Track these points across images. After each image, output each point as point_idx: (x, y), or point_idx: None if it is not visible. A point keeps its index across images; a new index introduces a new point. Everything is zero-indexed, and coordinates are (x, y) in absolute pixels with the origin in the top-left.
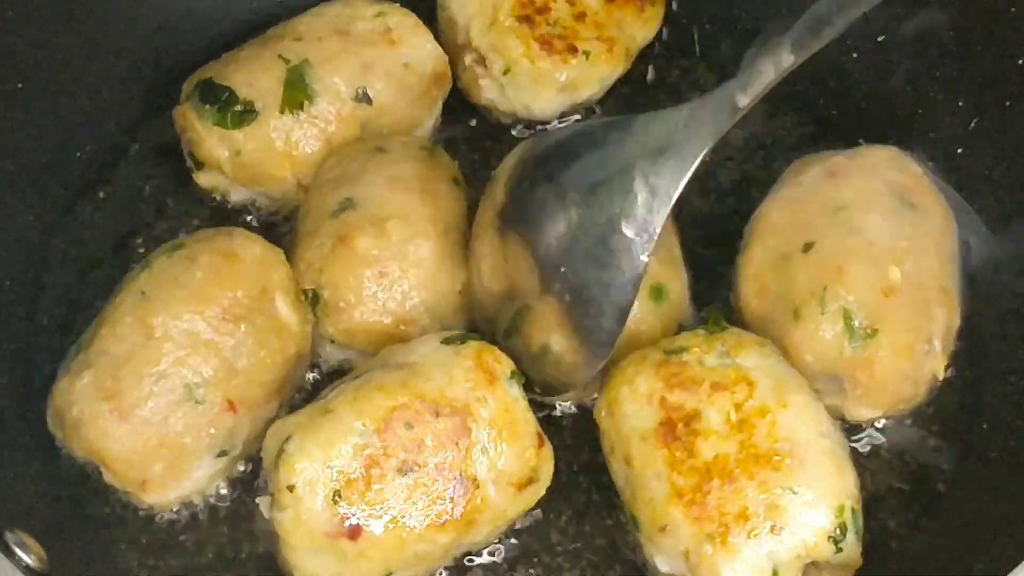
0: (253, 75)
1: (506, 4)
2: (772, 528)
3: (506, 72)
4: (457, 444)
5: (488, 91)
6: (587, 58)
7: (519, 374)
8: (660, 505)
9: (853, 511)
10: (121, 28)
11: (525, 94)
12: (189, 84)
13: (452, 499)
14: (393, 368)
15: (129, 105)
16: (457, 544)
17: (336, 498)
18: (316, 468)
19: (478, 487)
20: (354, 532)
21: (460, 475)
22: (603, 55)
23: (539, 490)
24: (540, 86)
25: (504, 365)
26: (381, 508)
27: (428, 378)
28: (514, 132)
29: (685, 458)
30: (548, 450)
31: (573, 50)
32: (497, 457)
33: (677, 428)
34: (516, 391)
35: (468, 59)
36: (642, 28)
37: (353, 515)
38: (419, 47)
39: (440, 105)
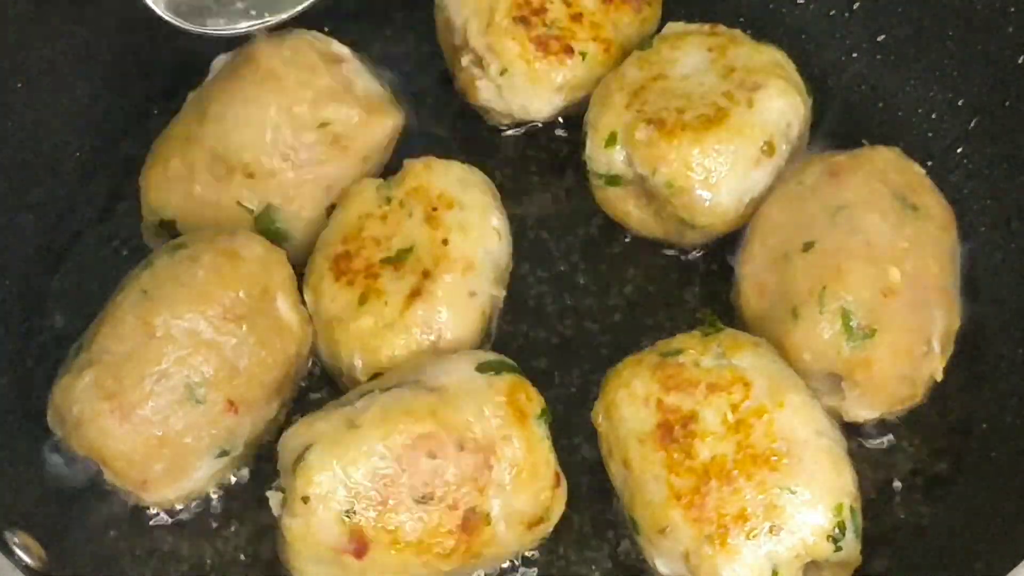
0: None
1: (503, 5)
2: (771, 528)
3: (503, 73)
4: (476, 480)
5: (485, 92)
6: (584, 59)
7: (548, 412)
8: (659, 507)
9: (852, 510)
10: (121, 27)
11: (522, 95)
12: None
13: (462, 532)
14: (424, 390)
15: (129, 104)
16: (458, 572)
17: (348, 516)
18: (333, 484)
19: (489, 524)
20: (360, 551)
21: (474, 510)
22: (600, 56)
23: (547, 528)
24: (537, 87)
25: (535, 403)
26: (390, 532)
27: (457, 408)
28: (511, 133)
29: (683, 460)
30: (563, 489)
31: (570, 51)
32: (513, 497)
33: (674, 430)
34: (543, 431)
35: (465, 60)
36: (639, 29)
37: (361, 535)
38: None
39: (373, 159)
